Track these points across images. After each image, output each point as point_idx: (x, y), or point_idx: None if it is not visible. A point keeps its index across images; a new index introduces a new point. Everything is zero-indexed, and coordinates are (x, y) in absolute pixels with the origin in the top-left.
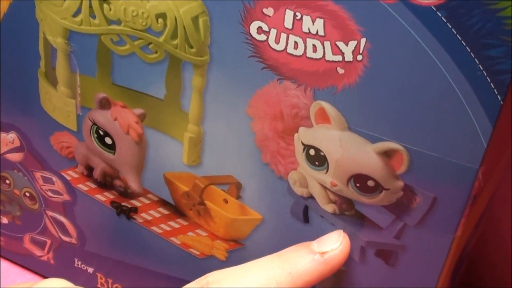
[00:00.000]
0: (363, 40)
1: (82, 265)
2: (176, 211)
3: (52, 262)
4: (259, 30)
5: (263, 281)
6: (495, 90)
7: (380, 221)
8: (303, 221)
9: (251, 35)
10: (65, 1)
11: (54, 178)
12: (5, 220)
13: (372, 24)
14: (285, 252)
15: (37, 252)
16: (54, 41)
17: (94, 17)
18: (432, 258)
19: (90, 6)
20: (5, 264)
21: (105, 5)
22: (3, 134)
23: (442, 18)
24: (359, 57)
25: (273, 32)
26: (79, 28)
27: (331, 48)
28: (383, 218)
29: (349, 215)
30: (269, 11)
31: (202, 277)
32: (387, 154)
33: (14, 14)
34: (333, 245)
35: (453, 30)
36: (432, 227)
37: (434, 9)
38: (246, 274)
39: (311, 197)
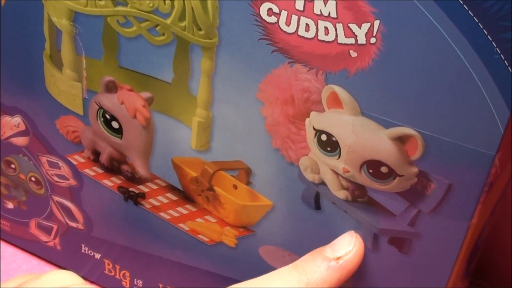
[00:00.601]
0: (376, 23)
1: (89, 251)
2: (185, 197)
3: (58, 247)
4: (270, 11)
5: None
6: None
7: (394, 208)
8: (315, 208)
9: (261, 17)
10: None
11: (60, 163)
12: (10, 205)
13: (386, 6)
14: (301, 262)
15: (43, 237)
16: (59, 23)
17: None
18: (447, 246)
19: None
20: (11, 249)
21: None
22: (8, 118)
23: (459, 0)
24: (373, 40)
25: (284, 14)
26: (84, 9)
27: (344, 30)
28: (397, 205)
29: (362, 202)
30: None
31: None
32: (401, 140)
33: None
34: (347, 248)
35: (469, 12)
36: (447, 214)
37: None
38: None
39: (322, 183)
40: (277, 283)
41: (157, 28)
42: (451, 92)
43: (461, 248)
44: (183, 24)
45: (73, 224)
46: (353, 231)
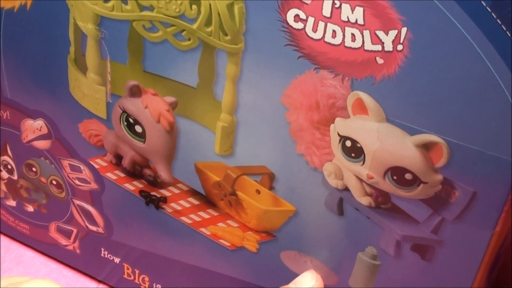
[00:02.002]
0: (404, 30)
1: (109, 255)
2: (207, 201)
3: (78, 251)
4: (296, 18)
5: None
6: None
7: (417, 215)
8: (338, 214)
9: (288, 23)
10: None
11: (82, 167)
12: (30, 208)
13: (413, 13)
14: None
15: (63, 241)
16: (84, 27)
17: (126, 3)
18: (470, 254)
19: None
20: (30, 253)
21: None
22: (31, 121)
23: (487, 8)
24: (400, 47)
25: (311, 20)
26: (110, 14)
27: (371, 37)
28: (420, 212)
29: (385, 208)
30: None
31: None
32: (426, 147)
33: None
34: (308, 284)
35: (497, 20)
36: (470, 222)
37: None
38: None
39: (346, 189)
40: None
41: (183, 33)
42: (477, 99)
43: (484, 256)
44: (209, 29)
45: (93, 228)
46: (313, 270)
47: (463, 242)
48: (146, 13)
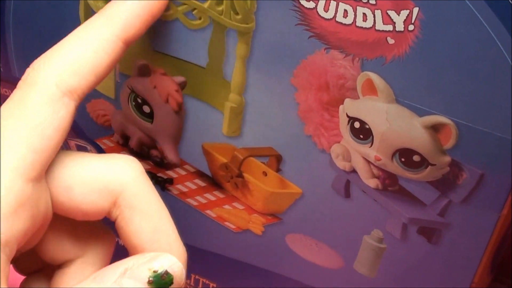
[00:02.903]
0: (415, 10)
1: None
2: (213, 183)
3: None
4: None
5: None
6: None
7: (424, 197)
8: (344, 196)
9: (299, 2)
10: None
11: (89, 147)
12: None
13: None
14: None
15: None
16: (95, 5)
17: None
18: (476, 236)
19: None
20: None
21: None
22: None
23: None
24: (411, 27)
25: None
26: None
27: (382, 17)
28: (428, 194)
29: (392, 191)
30: None
31: None
32: (434, 128)
33: None
34: None
35: (510, 1)
36: (477, 205)
37: None
38: None
39: (353, 171)
40: None
41: (194, 12)
42: (487, 81)
43: (490, 239)
44: (220, 8)
45: None
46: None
47: (469, 225)
48: None
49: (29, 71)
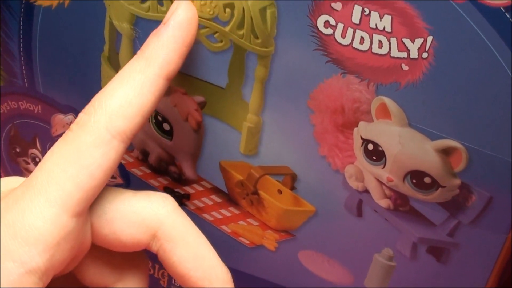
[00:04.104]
0: (429, 38)
1: None
2: (229, 199)
3: None
4: (326, 24)
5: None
6: None
7: (434, 218)
8: (356, 215)
9: (318, 29)
10: None
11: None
12: None
13: (439, 23)
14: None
15: None
16: (119, 26)
17: (162, 4)
18: (484, 257)
19: None
20: None
21: None
22: (61, 116)
23: (510, 19)
24: (425, 55)
25: (340, 26)
26: (146, 14)
27: (397, 44)
28: (437, 215)
29: (403, 211)
30: (337, 5)
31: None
32: (445, 152)
33: None
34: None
35: None
36: (485, 226)
37: (503, 10)
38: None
39: (366, 191)
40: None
41: (216, 35)
42: (497, 108)
43: (498, 259)
44: (241, 32)
45: None
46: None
47: (477, 246)
48: None
49: (81, 115)
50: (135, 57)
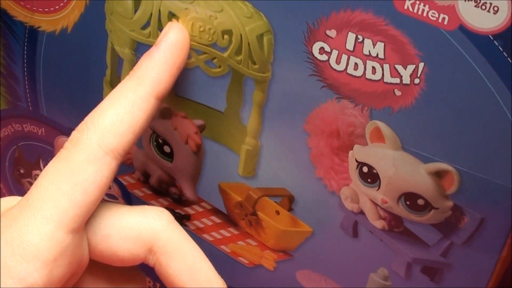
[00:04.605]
0: (421, 65)
1: None
2: (228, 220)
3: None
4: (321, 50)
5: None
6: None
7: (428, 238)
8: (352, 235)
9: (313, 55)
10: (135, 14)
11: (111, 183)
12: None
13: (431, 50)
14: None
15: None
16: (121, 52)
17: (162, 30)
18: (476, 277)
19: (159, 20)
20: None
21: (174, 20)
22: (64, 138)
23: (499, 47)
24: (417, 81)
25: (335, 53)
26: (147, 40)
27: (390, 70)
28: (431, 236)
29: (398, 232)
30: (332, 33)
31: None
32: (438, 175)
33: (84, 24)
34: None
35: (508, 59)
36: (478, 247)
37: (492, 38)
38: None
39: (361, 212)
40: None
41: (214, 61)
42: (487, 132)
43: (490, 279)
44: (239, 58)
45: None
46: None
47: (470, 266)
48: None
49: (74, 133)
50: (127, 77)
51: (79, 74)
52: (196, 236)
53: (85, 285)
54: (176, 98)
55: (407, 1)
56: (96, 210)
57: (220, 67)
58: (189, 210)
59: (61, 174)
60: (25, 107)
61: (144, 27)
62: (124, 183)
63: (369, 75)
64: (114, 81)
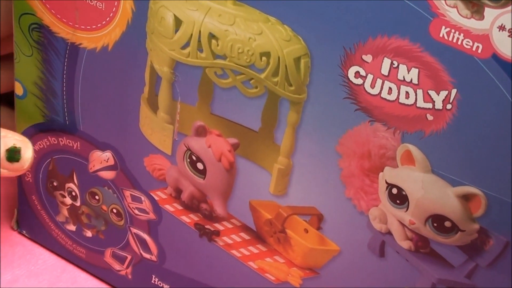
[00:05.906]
0: (454, 91)
1: (159, 282)
2: (257, 237)
3: (129, 277)
4: (357, 74)
5: None
6: None
7: (453, 260)
8: (379, 255)
9: (349, 78)
10: (175, 34)
11: (143, 197)
12: (89, 234)
13: (464, 77)
14: None
15: (117, 266)
16: (160, 70)
17: (201, 50)
18: None
19: (199, 41)
20: (84, 275)
21: (213, 41)
22: (99, 153)
23: None
24: (449, 106)
25: (370, 77)
26: (186, 60)
27: (423, 96)
28: (456, 257)
29: (424, 253)
30: (368, 57)
31: None
32: (466, 198)
33: (125, 42)
34: None
35: None
36: (502, 270)
37: None
38: None
39: (389, 233)
40: None
41: (251, 81)
42: None
43: None
44: (276, 79)
45: (147, 256)
46: None
47: None
48: (219, 61)
49: None
50: None
51: (117, 91)
52: (225, 252)
53: None
54: (212, 116)
55: (442, 29)
56: None
57: (256, 87)
58: (218, 226)
59: None
60: (62, 122)
61: (183, 47)
62: (156, 198)
63: (402, 99)
64: (152, 99)
